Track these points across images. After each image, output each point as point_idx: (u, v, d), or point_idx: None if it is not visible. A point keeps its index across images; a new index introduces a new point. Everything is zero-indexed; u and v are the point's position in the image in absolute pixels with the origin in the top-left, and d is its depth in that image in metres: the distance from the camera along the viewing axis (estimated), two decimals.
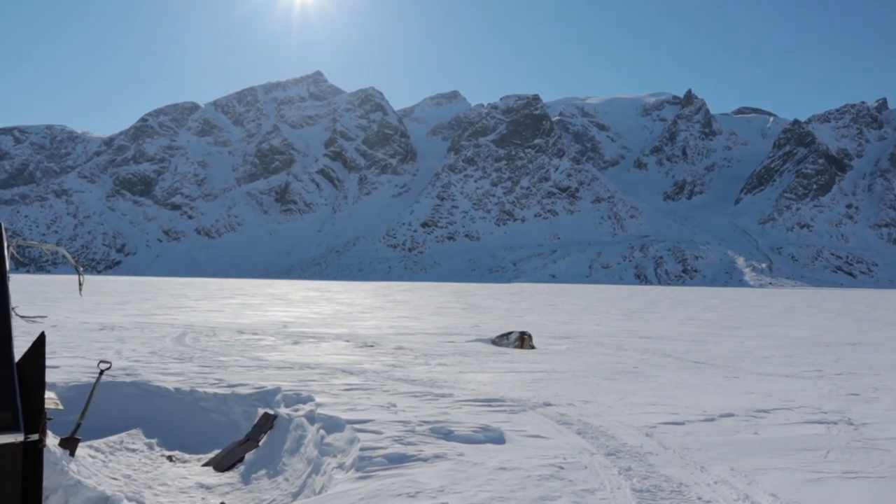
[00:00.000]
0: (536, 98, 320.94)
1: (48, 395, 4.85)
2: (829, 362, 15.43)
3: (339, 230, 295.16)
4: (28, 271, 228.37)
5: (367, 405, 8.69)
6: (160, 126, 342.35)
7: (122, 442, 8.30)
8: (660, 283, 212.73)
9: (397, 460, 6.35)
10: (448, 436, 7.20)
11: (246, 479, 7.39)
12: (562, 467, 6.27)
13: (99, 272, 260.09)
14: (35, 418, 4.20)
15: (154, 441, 8.60)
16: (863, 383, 12.17)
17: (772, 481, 6.06)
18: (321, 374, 11.58)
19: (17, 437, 4.00)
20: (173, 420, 9.21)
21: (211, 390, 9.77)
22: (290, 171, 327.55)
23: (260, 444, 8.03)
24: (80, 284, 6.26)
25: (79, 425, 6.15)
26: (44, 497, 4.64)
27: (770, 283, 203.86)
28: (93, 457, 7.36)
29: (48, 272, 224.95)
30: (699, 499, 5.60)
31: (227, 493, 7.07)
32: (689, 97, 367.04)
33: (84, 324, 20.54)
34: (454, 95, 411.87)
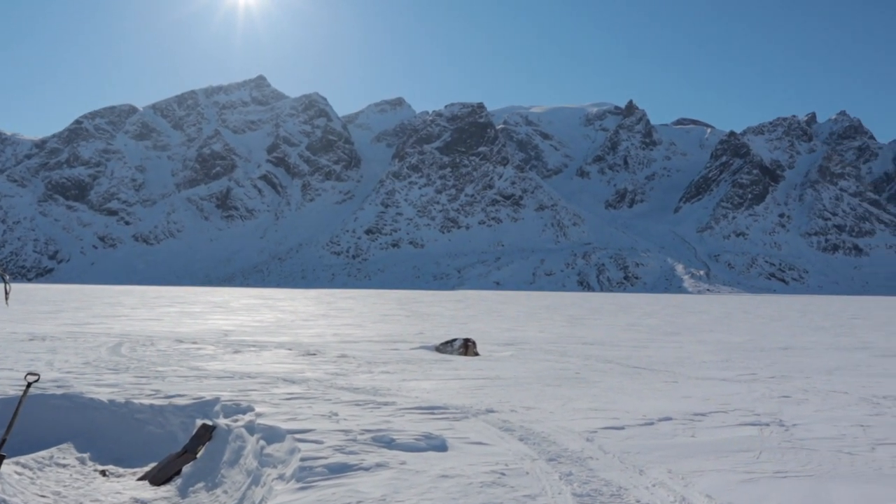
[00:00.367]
0: (481, 106, 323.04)
1: None
2: (763, 366, 15.85)
3: (282, 237, 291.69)
4: None
5: (309, 414, 8.58)
6: (96, 129, 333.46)
7: (51, 457, 8.00)
8: (602, 289, 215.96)
9: (338, 470, 6.28)
10: (390, 444, 7.15)
11: (183, 493, 7.22)
12: (504, 474, 6.29)
13: (30, 280, 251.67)
14: None
15: (86, 455, 8.32)
16: (794, 386, 12.54)
17: (707, 482, 6.19)
18: (262, 383, 11.41)
19: None
20: (107, 433, 8.94)
21: (147, 401, 9.52)
22: (232, 176, 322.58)
23: (198, 456, 7.86)
24: (7, 293, 6.05)
25: (3, 441, 5.92)
26: None
27: (708, 290, 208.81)
28: (19, 474, 7.08)
29: None
30: (637, 501, 5.69)
31: None
32: (631, 108, 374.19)
33: (12, 334, 19.83)
34: (399, 102, 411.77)
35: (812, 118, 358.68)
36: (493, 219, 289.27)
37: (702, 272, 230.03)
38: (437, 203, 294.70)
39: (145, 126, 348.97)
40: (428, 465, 6.48)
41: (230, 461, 7.48)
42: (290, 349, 17.45)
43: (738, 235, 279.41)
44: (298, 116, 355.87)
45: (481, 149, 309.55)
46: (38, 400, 9.10)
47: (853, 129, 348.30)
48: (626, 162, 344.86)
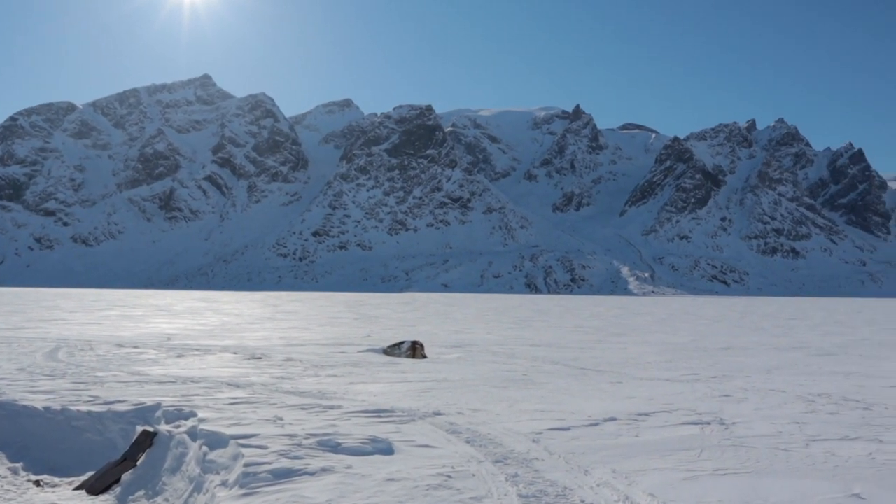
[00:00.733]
0: (429, 109, 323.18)
1: None
2: (705, 366, 16.20)
3: (227, 239, 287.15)
4: None
5: (253, 419, 8.46)
6: (32, 126, 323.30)
7: None
8: (549, 291, 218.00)
9: (283, 475, 6.21)
10: (336, 448, 7.10)
11: (122, 501, 7.05)
12: (450, 476, 6.29)
13: None
14: None
15: (19, 465, 8.06)
16: (734, 385, 12.85)
17: (650, 481, 6.30)
18: (205, 388, 11.21)
19: None
20: (42, 442, 8.67)
21: (85, 408, 9.26)
22: (176, 177, 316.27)
23: (138, 463, 7.67)
24: None
25: None
26: None
27: (652, 292, 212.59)
28: None
29: None
30: (582, 501, 5.75)
31: None
32: (578, 112, 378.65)
33: None
34: (347, 104, 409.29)
35: (752, 125, 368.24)
36: (441, 221, 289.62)
37: (646, 274, 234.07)
38: (385, 205, 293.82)
39: (85, 124, 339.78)
40: (374, 469, 6.45)
41: (172, 468, 7.33)
42: (235, 353, 17.19)
43: (681, 238, 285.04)
44: (245, 117, 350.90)
45: (429, 151, 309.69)
46: None
47: (790, 137, 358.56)
48: (573, 165, 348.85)
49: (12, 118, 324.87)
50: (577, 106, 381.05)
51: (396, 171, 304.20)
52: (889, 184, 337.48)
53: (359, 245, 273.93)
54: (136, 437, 8.15)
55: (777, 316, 51.50)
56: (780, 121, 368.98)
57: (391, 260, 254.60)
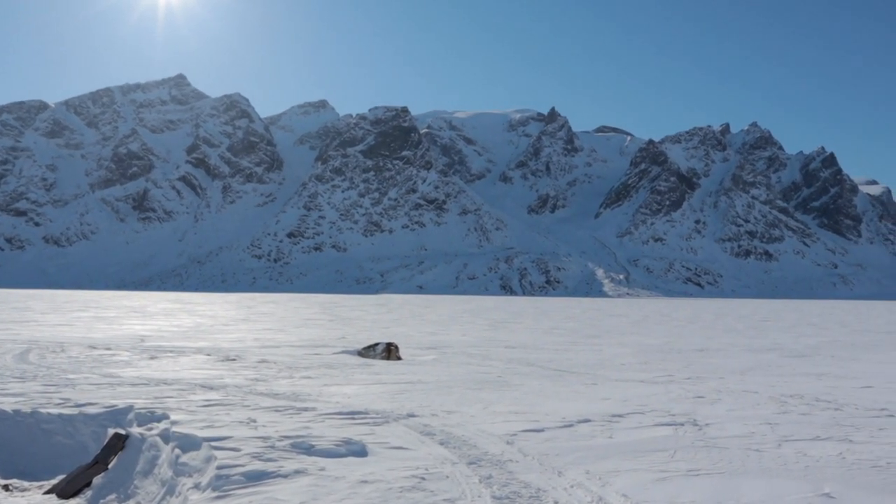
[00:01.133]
0: (405, 110, 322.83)
1: None
2: (679, 368, 16.34)
3: (201, 240, 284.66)
4: None
5: (227, 421, 8.40)
6: (3, 125, 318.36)
7: None
8: (524, 293, 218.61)
9: (256, 477, 6.17)
10: (309, 450, 7.06)
11: None
12: (424, 478, 6.28)
13: None
14: None
15: None
16: (708, 386, 12.97)
17: (623, 482, 6.33)
18: (179, 390, 11.11)
19: None
20: (11, 445, 8.53)
21: (56, 411, 9.13)
22: (149, 177, 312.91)
23: (109, 466, 7.57)
24: None
25: None
26: None
27: (627, 294, 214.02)
28: None
29: None
30: (556, 502, 5.77)
31: None
32: (553, 115, 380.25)
33: None
34: (322, 104, 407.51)
35: (726, 128, 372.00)
36: (416, 223, 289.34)
37: (621, 276, 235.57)
38: (361, 206, 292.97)
39: (57, 123, 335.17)
40: (347, 471, 6.43)
41: (144, 471, 7.25)
42: (208, 354, 17.05)
43: (656, 241, 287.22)
44: (219, 117, 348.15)
45: (405, 153, 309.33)
46: None
47: (764, 140, 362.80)
48: (548, 168, 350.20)
49: None
50: (553, 108, 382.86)
51: (372, 173, 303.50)
52: (860, 187, 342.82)
53: (334, 246, 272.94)
54: (107, 439, 8.05)
55: (750, 318, 52.08)
56: (754, 125, 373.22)
57: (366, 261, 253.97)
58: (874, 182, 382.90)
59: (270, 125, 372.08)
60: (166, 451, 7.27)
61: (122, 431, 8.10)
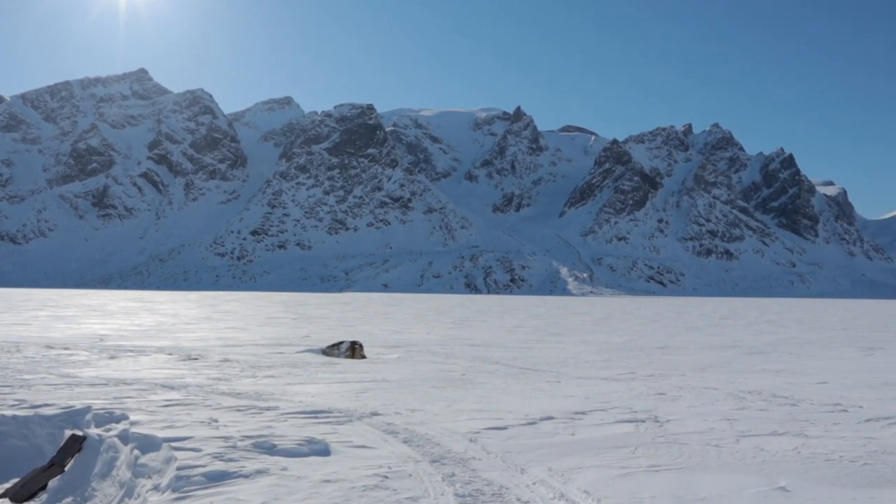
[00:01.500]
0: (371, 108, 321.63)
1: None
2: (641, 365, 16.52)
3: (163, 237, 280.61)
4: None
5: (187, 421, 8.30)
6: None
7: None
8: (489, 291, 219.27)
9: (217, 478, 6.11)
10: (271, 450, 7.01)
11: None
12: (386, 477, 6.28)
13: None
14: None
15: None
16: (669, 383, 13.13)
17: (585, 479, 6.39)
18: (139, 390, 10.95)
19: None
20: None
21: (10, 412, 8.92)
22: (110, 173, 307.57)
23: (66, 469, 7.42)
24: None
25: None
26: None
27: (591, 292, 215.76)
28: None
29: None
30: (518, 500, 5.80)
31: None
32: (518, 114, 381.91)
33: None
34: (287, 101, 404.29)
35: (689, 129, 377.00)
36: (381, 221, 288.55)
37: (585, 275, 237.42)
38: (325, 204, 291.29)
39: (13, 117, 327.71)
40: (310, 471, 6.39)
41: (102, 473, 7.12)
42: (170, 354, 16.83)
43: (619, 240, 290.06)
44: (182, 113, 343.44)
45: (370, 151, 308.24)
46: None
47: (725, 141, 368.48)
48: (513, 167, 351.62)
49: None
50: (519, 107, 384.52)
51: (337, 171, 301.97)
52: (817, 188, 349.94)
53: (298, 244, 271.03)
54: (64, 441, 7.89)
55: (711, 315, 52.86)
56: (716, 125, 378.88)
57: (331, 260, 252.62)
58: (831, 183, 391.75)
59: (234, 122, 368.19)
60: (125, 453, 7.15)
61: (80, 433, 7.95)
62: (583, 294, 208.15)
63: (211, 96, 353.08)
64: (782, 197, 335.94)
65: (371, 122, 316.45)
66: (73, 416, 8.73)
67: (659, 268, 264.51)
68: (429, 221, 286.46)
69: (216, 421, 8.34)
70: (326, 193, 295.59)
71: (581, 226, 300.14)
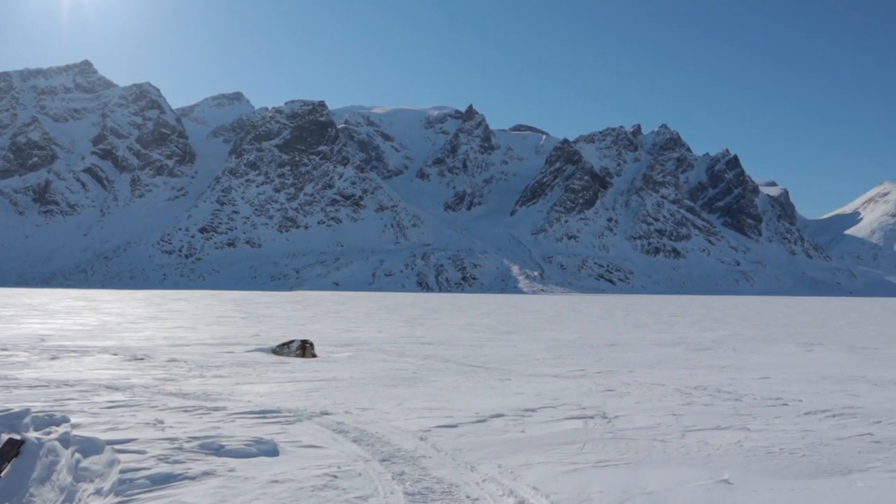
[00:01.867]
0: (322, 104, 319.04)
1: None
2: (591, 362, 16.71)
3: (108, 234, 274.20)
4: None
5: (132, 423, 8.12)
6: None
7: None
8: (441, 290, 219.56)
9: (162, 481, 5.99)
10: (218, 451, 6.90)
11: None
12: (336, 476, 6.23)
13: None
14: None
15: None
16: (618, 380, 13.32)
17: (534, 475, 6.44)
18: (81, 391, 10.67)
19: None
20: None
21: None
22: (52, 168, 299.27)
23: (2, 474, 7.21)
24: None
25: None
26: None
27: (542, 290, 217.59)
28: None
29: None
30: (468, 497, 5.81)
31: None
32: (471, 112, 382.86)
33: None
34: (237, 97, 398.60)
35: (637, 130, 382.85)
36: (332, 219, 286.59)
37: (536, 273, 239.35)
38: (276, 202, 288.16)
39: None
40: (258, 471, 6.31)
41: (41, 478, 6.93)
42: (115, 354, 16.45)
43: (570, 238, 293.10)
44: (128, 107, 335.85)
45: (321, 148, 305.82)
46: None
47: (673, 142, 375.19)
48: (465, 165, 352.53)
49: None
50: (471, 106, 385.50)
51: (287, 168, 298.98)
52: (761, 189, 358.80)
53: (248, 242, 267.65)
54: (0, 445, 7.66)
55: (659, 313, 53.78)
56: (664, 126, 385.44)
57: (281, 258, 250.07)
58: (773, 184, 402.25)
59: (182, 117, 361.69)
60: (66, 456, 6.97)
61: (17, 437, 7.72)
62: (534, 292, 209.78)
63: (158, 90, 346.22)
64: (727, 197, 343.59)
65: (322, 119, 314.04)
66: (11, 420, 8.47)
67: (608, 266, 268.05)
68: (380, 219, 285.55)
69: (162, 422, 8.18)
70: (277, 191, 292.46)
71: (532, 224, 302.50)
